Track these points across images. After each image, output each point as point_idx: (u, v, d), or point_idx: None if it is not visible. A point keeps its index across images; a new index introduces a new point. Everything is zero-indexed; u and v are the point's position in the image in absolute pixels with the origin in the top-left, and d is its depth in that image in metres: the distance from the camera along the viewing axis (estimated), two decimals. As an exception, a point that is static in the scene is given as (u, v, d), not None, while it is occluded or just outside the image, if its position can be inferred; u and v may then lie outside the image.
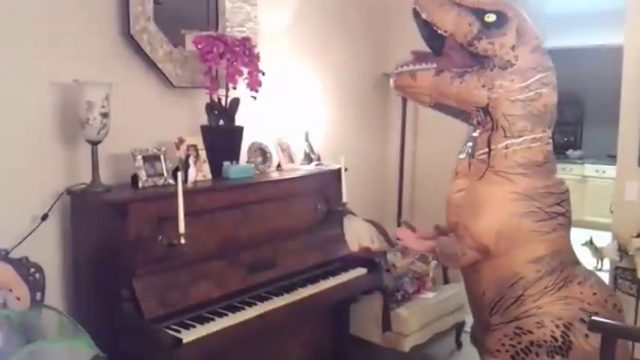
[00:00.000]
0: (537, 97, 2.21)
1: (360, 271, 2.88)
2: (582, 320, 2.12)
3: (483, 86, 2.20)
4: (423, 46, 2.43)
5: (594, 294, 2.23)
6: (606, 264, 3.69)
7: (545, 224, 2.22)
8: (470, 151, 2.32)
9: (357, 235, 3.45)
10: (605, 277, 3.73)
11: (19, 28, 2.23)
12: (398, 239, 2.63)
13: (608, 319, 2.06)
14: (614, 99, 3.72)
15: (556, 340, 2.15)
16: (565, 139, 8.70)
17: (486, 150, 2.24)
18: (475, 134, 2.32)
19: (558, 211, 2.26)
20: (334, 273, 2.82)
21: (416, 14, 2.28)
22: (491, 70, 2.19)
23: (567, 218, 2.31)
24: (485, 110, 2.22)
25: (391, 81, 2.40)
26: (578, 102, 8.41)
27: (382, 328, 3.09)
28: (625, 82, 3.59)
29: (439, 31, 2.24)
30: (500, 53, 2.19)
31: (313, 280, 2.71)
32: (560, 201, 2.27)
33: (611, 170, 5.81)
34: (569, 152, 8.30)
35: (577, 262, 2.35)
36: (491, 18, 2.19)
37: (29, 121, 2.29)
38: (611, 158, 4.51)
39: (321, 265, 2.86)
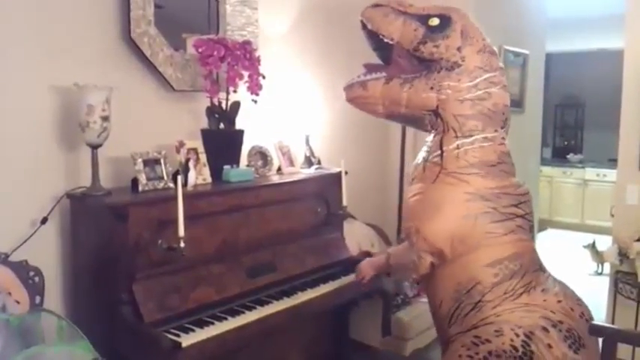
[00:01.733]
0: (486, 97, 2.18)
1: (361, 274, 2.87)
2: (545, 329, 2.01)
3: (431, 89, 2.18)
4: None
5: (559, 302, 2.12)
6: (607, 268, 3.68)
7: (500, 225, 2.14)
8: (425, 155, 2.29)
9: (358, 238, 3.45)
10: (606, 281, 3.74)
11: (19, 32, 2.24)
12: (358, 277, 2.61)
13: (573, 328, 2.03)
14: (615, 102, 3.72)
15: (516, 349, 1.97)
16: (566, 142, 8.72)
17: (439, 152, 2.20)
18: (429, 139, 2.30)
19: (516, 213, 2.18)
20: (334, 277, 2.81)
21: (363, 26, 2.30)
22: (439, 73, 2.18)
23: (527, 221, 2.23)
24: (436, 112, 2.20)
25: (344, 94, 2.40)
26: (579, 105, 8.42)
27: (382, 333, 3.08)
28: (625, 86, 3.60)
29: (386, 40, 2.25)
30: (446, 55, 2.18)
31: (313, 284, 2.70)
32: (518, 203, 2.20)
33: (611, 174, 5.81)
34: (570, 156, 8.30)
35: (542, 269, 2.26)
36: (434, 22, 2.19)
37: (29, 124, 2.29)
38: (612, 162, 4.51)
39: (322, 268, 2.86)
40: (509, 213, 2.16)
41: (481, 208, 2.13)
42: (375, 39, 2.29)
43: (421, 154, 2.32)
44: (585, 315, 2.14)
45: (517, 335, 1.99)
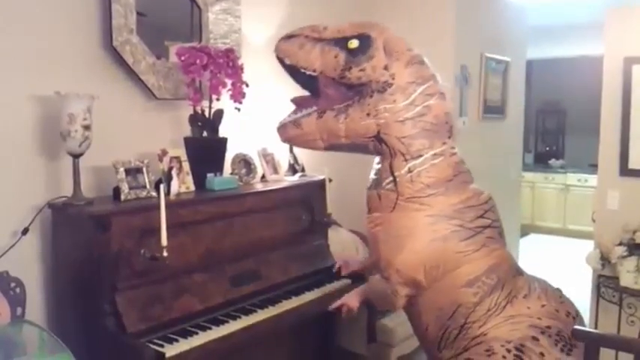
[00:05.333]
0: (426, 111, 2.08)
1: (345, 282, 2.87)
2: (534, 338, 1.97)
3: (368, 115, 2.07)
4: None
5: (543, 306, 2.06)
6: (589, 272, 3.71)
7: (471, 242, 2.06)
8: (376, 183, 2.20)
9: (342, 245, 3.44)
10: (588, 286, 3.78)
11: (0, 41, 2.21)
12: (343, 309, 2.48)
13: (562, 330, 1.99)
14: (595, 108, 3.76)
15: None
16: (547, 148, 8.81)
17: (391, 179, 2.11)
18: (377, 164, 2.21)
19: (483, 224, 2.10)
20: (319, 284, 2.81)
21: (280, 61, 2.21)
22: (371, 97, 2.07)
23: (496, 229, 2.16)
24: (378, 138, 2.10)
25: (279, 136, 2.32)
26: (560, 111, 8.52)
27: (368, 339, 3.08)
28: (605, 92, 3.65)
29: (307, 72, 2.16)
30: (374, 77, 2.07)
31: (298, 292, 2.70)
32: (483, 212, 2.12)
33: (593, 179, 5.87)
34: (552, 161, 8.39)
35: (519, 273, 2.19)
36: (354, 44, 2.08)
37: (9, 133, 2.26)
38: (593, 167, 4.55)
39: (306, 276, 2.85)
40: (477, 226, 2.09)
41: (447, 228, 2.05)
42: (298, 73, 2.19)
43: (372, 180, 2.23)
44: (571, 312, 2.10)
45: (508, 351, 1.96)
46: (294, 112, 2.27)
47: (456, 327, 2.07)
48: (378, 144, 2.12)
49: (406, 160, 2.08)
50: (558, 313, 2.07)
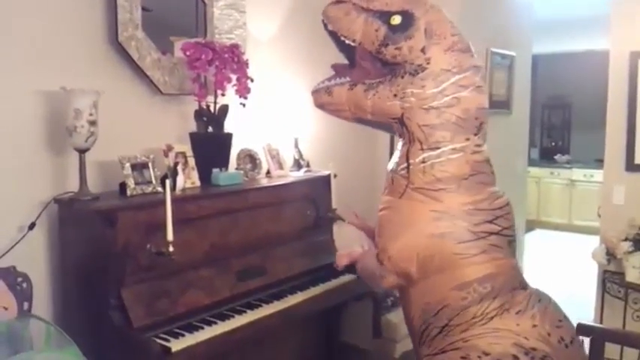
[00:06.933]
0: (455, 103, 1.97)
1: (350, 277, 2.88)
2: (515, 357, 1.82)
3: (395, 96, 1.99)
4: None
5: (534, 326, 1.90)
6: (594, 267, 3.71)
7: (470, 245, 1.94)
8: (393, 166, 2.12)
9: (347, 241, 3.44)
10: (593, 281, 3.77)
11: (5, 36, 2.22)
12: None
13: (549, 355, 1.84)
14: (601, 103, 3.75)
15: None
16: (553, 143, 8.79)
17: (406, 165, 2.03)
18: (398, 146, 2.14)
19: (490, 230, 1.98)
20: (324, 279, 2.81)
21: (324, 26, 2.13)
22: (402, 78, 1.99)
23: (504, 237, 2.01)
24: (402, 122, 2.02)
25: (313, 101, 2.26)
26: (566, 106, 8.49)
27: (373, 334, 3.09)
28: (611, 87, 3.63)
29: (347, 42, 2.08)
30: (410, 58, 1.98)
31: (303, 287, 2.70)
32: (494, 218, 1.99)
33: (598, 174, 5.85)
34: (557, 156, 8.37)
35: (522, 287, 2.03)
36: (396, 20, 1.98)
37: (16, 129, 2.27)
38: (599, 162, 4.54)
39: (311, 271, 2.85)
40: (482, 231, 1.97)
41: (449, 227, 1.95)
42: (338, 40, 2.12)
43: (392, 162, 2.16)
44: (565, 339, 1.92)
45: None
46: (330, 78, 2.20)
47: (437, 326, 1.99)
48: (400, 127, 2.04)
49: (423, 149, 2.00)
50: (549, 337, 1.90)
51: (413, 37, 1.97)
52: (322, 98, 2.19)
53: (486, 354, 1.85)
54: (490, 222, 1.99)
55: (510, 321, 1.91)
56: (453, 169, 1.98)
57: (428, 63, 1.97)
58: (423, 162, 1.99)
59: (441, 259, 1.96)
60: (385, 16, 2.01)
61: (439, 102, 1.96)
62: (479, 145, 2.04)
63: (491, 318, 1.92)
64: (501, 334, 1.89)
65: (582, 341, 1.99)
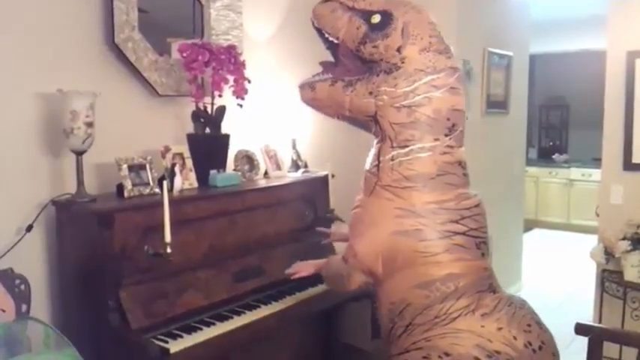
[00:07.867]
0: (426, 102, 1.96)
1: (349, 277, 2.87)
2: (476, 359, 1.79)
3: (370, 93, 2.01)
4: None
5: (499, 329, 1.86)
6: (593, 267, 3.71)
7: (433, 244, 1.92)
8: (367, 165, 2.13)
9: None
10: (592, 280, 3.77)
11: (1, 38, 2.22)
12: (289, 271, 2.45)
13: (513, 359, 1.80)
14: (599, 102, 3.76)
15: None
16: (551, 142, 8.80)
17: (377, 163, 2.04)
18: (373, 145, 2.14)
19: (455, 230, 1.95)
20: (322, 280, 2.80)
21: (312, 23, 2.17)
22: (378, 76, 2.00)
23: (471, 238, 1.97)
24: (375, 119, 2.03)
25: (299, 96, 2.27)
26: (563, 106, 8.51)
27: (372, 335, 3.08)
28: (608, 86, 3.64)
29: (330, 39, 2.11)
30: (386, 56, 1.99)
31: (301, 288, 2.70)
32: (460, 218, 1.96)
33: (596, 173, 5.87)
34: (555, 156, 8.38)
35: (490, 290, 1.98)
36: (376, 19, 2.00)
37: (13, 131, 2.27)
38: (597, 161, 4.55)
39: (310, 272, 2.85)
40: (446, 230, 1.94)
41: (413, 225, 1.93)
42: (324, 37, 2.14)
43: (367, 161, 2.16)
44: (533, 344, 1.86)
45: None
46: (315, 74, 2.22)
47: (402, 325, 1.98)
48: (374, 125, 2.06)
49: (393, 147, 2.00)
50: (515, 341, 1.85)
51: (390, 36, 1.99)
52: (306, 94, 2.22)
53: (447, 354, 1.82)
54: (456, 222, 1.96)
55: (474, 322, 1.88)
56: (420, 168, 1.97)
57: (402, 62, 1.98)
58: (392, 159, 2.00)
59: (403, 257, 1.94)
60: (367, 14, 2.03)
61: (410, 101, 1.96)
62: (450, 147, 2.02)
63: (454, 319, 1.89)
64: (464, 335, 1.86)
65: (556, 349, 1.94)
